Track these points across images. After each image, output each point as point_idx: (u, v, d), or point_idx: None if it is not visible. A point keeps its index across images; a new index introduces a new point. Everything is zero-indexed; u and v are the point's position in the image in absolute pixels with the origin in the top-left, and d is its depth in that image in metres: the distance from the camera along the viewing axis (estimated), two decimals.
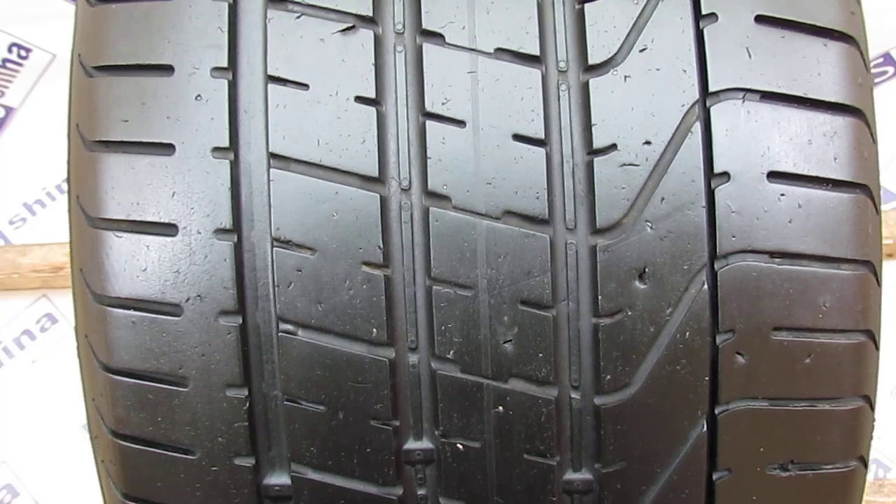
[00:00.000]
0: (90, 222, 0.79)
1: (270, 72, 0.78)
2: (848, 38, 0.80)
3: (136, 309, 0.78)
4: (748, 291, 0.77)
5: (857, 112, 0.79)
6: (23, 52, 2.09)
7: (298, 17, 0.78)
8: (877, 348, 0.81)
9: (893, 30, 2.17)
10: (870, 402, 0.82)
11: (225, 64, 0.78)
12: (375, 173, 0.77)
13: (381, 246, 0.76)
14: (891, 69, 2.15)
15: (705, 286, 0.77)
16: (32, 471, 1.94)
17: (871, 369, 0.81)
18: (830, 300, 0.78)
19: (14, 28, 2.13)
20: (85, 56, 0.81)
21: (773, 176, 0.77)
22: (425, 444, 0.79)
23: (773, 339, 0.77)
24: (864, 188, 0.79)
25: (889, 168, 2.18)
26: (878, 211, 0.81)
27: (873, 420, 0.83)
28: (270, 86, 0.77)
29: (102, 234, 0.78)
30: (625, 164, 0.76)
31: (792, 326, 0.77)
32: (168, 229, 0.77)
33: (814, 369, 0.78)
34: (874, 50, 2.22)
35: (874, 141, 0.81)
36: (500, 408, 0.78)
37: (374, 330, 0.77)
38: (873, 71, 2.19)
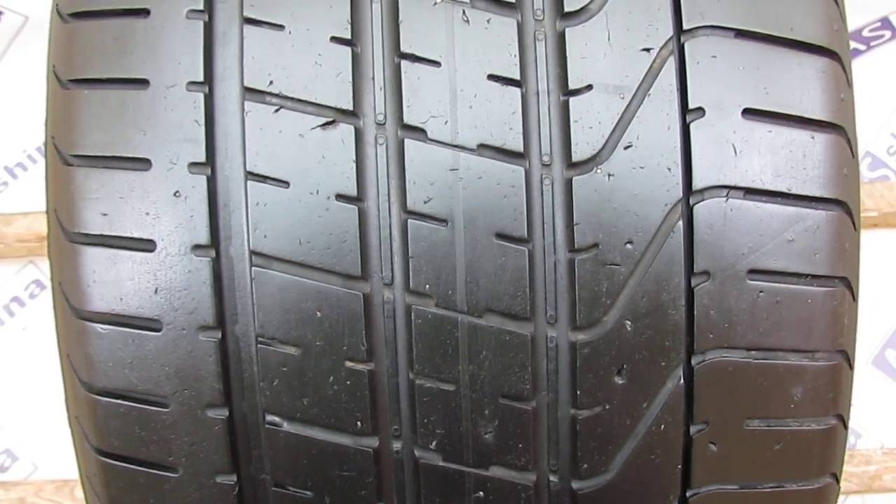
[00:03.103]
0: (74, 313, 0.79)
1: (249, 168, 0.76)
2: (836, 127, 0.79)
3: (123, 399, 0.79)
4: (723, 385, 0.79)
5: (840, 204, 0.79)
6: None
7: (277, 111, 0.76)
8: (845, 427, 0.84)
9: None
10: (836, 478, 0.85)
11: (203, 159, 0.76)
12: (358, 272, 0.77)
13: (365, 343, 0.77)
14: (888, 33, 2.11)
15: (682, 381, 0.78)
16: (31, 436, 1.99)
17: (839, 448, 0.84)
18: (803, 390, 0.80)
19: None
20: (59, 142, 0.79)
21: (754, 273, 0.77)
22: None
23: (745, 429, 0.80)
24: (843, 280, 0.80)
25: (880, 134, 2.17)
26: (854, 298, 0.82)
27: (838, 491, 0.87)
28: (250, 182, 0.76)
29: (87, 325, 0.79)
30: (606, 264, 0.77)
31: (764, 416, 0.80)
32: (152, 323, 0.78)
33: (783, 454, 0.81)
34: (873, 15, 2.18)
35: (856, 229, 0.81)
36: (481, 493, 0.81)
37: (359, 423, 0.79)
38: (872, 34, 2.15)
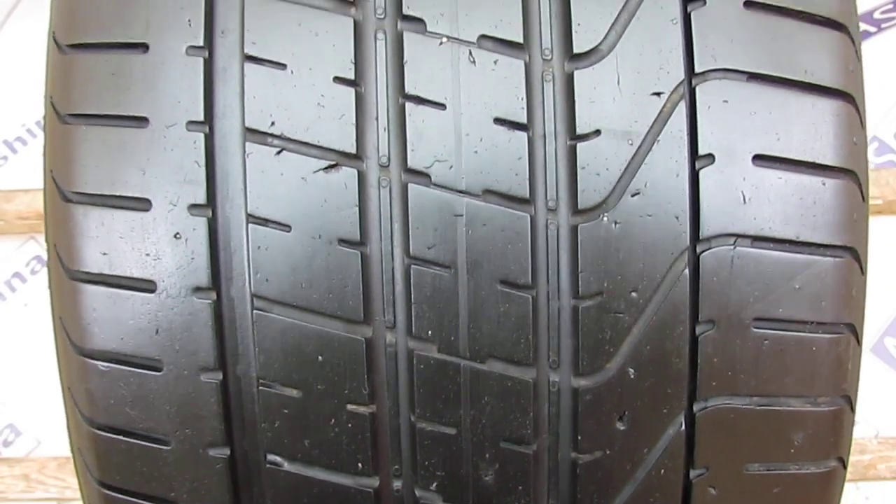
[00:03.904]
0: (75, 349, 0.79)
1: (251, 210, 0.75)
2: (848, 173, 0.77)
3: (125, 435, 0.79)
4: (724, 431, 0.79)
5: (849, 250, 0.78)
6: None
7: (279, 153, 0.75)
8: (844, 468, 0.84)
9: None
10: None
11: (203, 201, 0.75)
12: (360, 317, 0.76)
13: (367, 387, 0.77)
14: None
15: (683, 427, 0.78)
16: (34, 412, 2.01)
17: (837, 490, 0.84)
18: (804, 435, 0.80)
19: None
20: (58, 177, 0.78)
21: (759, 321, 0.77)
22: None
23: (745, 474, 0.80)
24: (848, 326, 0.79)
25: (888, 118, 2.14)
26: (859, 342, 0.81)
27: None
28: (251, 225, 0.75)
29: (87, 362, 0.78)
30: (610, 312, 0.76)
31: (765, 461, 0.80)
32: (153, 363, 0.77)
33: (782, 497, 0.82)
34: None
35: (863, 272, 0.80)
36: None
37: (360, 464, 0.79)
38: (883, 16, 2.10)
